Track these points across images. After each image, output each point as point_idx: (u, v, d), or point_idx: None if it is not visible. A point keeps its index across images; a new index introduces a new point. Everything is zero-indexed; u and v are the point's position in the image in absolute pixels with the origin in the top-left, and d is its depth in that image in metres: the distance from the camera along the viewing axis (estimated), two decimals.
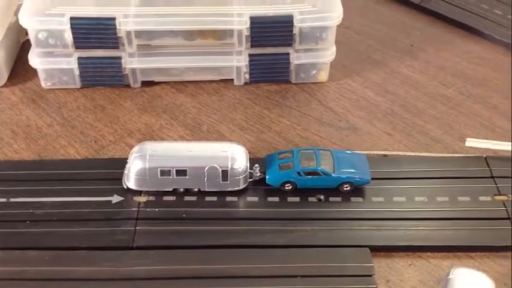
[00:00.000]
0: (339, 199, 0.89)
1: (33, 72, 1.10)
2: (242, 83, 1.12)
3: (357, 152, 0.95)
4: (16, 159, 0.97)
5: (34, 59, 1.07)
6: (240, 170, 0.88)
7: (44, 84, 1.10)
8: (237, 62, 1.08)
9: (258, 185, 0.91)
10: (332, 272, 0.80)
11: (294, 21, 1.03)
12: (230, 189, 0.89)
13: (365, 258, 0.81)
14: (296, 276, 0.79)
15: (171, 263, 0.80)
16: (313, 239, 0.84)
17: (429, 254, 0.83)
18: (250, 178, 0.90)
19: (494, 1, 1.30)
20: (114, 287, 0.78)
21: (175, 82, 1.12)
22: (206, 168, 0.87)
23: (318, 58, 1.09)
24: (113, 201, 0.89)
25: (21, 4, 1.05)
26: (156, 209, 0.88)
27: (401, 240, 0.84)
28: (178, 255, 0.82)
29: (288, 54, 1.08)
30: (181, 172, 0.88)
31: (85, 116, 1.05)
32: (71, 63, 1.07)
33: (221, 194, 0.89)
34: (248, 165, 0.89)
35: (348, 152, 0.94)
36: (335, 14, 1.04)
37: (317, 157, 0.90)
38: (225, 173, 0.88)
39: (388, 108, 1.07)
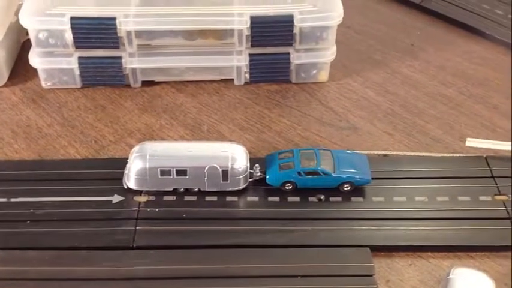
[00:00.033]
0: (339, 199, 0.89)
1: (34, 72, 1.10)
2: (242, 82, 1.12)
3: (357, 151, 0.95)
4: (16, 159, 0.97)
5: (34, 59, 1.07)
6: (240, 169, 0.88)
7: (44, 84, 1.10)
8: (237, 61, 1.08)
9: (258, 184, 0.91)
10: (332, 271, 0.80)
11: (295, 21, 1.03)
12: (230, 189, 0.89)
13: (365, 258, 0.81)
14: (296, 276, 0.79)
15: (171, 263, 0.80)
16: (313, 238, 0.84)
17: (429, 253, 0.83)
18: (250, 178, 0.90)
19: (495, 1, 1.30)
20: (114, 287, 0.78)
21: (175, 82, 1.12)
22: (206, 168, 0.87)
23: (319, 58, 1.09)
24: (113, 201, 0.89)
25: (21, 4, 1.06)
26: (157, 209, 0.88)
27: (401, 240, 0.84)
28: (179, 255, 0.82)
29: (289, 54, 1.08)
30: (181, 172, 0.88)
31: (85, 116, 1.05)
32: (71, 63, 1.07)
33: (221, 193, 0.89)
34: (248, 165, 0.89)
35: (348, 151, 0.94)
36: (335, 14, 1.04)
37: (317, 157, 0.90)
38: (225, 173, 0.88)
39: (388, 108, 1.07)
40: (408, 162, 0.95)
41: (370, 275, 0.79)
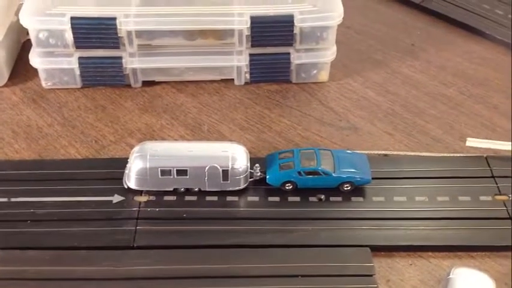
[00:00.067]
0: (339, 199, 0.89)
1: (34, 72, 1.10)
2: (243, 82, 1.12)
3: (358, 151, 0.95)
4: (17, 159, 0.97)
5: (35, 59, 1.07)
6: (240, 169, 0.88)
7: (45, 84, 1.10)
8: (237, 61, 1.08)
9: (258, 184, 0.91)
10: (333, 271, 0.80)
11: (295, 21, 1.03)
12: (231, 188, 0.89)
13: (365, 258, 0.81)
14: (297, 276, 0.79)
15: (171, 263, 0.80)
16: (313, 238, 0.84)
17: (430, 253, 0.83)
18: (250, 178, 0.90)
19: (496, 1, 1.30)
20: (114, 287, 0.78)
21: (175, 82, 1.12)
22: (207, 168, 0.87)
23: (319, 58, 1.09)
24: (114, 201, 0.89)
25: (22, 4, 1.06)
26: (157, 209, 0.88)
27: (401, 239, 0.84)
28: (179, 255, 0.82)
29: (289, 54, 1.08)
30: (181, 172, 0.88)
31: (86, 115, 1.05)
32: (72, 63, 1.07)
33: (222, 193, 0.89)
34: (249, 165, 0.89)
35: (349, 151, 0.94)
36: (336, 14, 1.04)
37: (317, 157, 0.90)
38: (225, 173, 0.88)
39: (388, 108, 1.07)
40: (408, 162, 0.95)
41: (371, 275, 0.79)
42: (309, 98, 1.09)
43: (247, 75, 1.10)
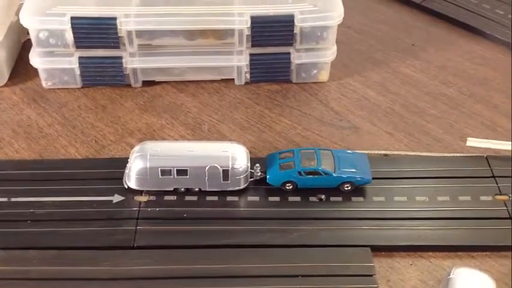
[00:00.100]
0: (339, 199, 0.89)
1: (34, 71, 1.10)
2: (243, 82, 1.11)
3: (358, 151, 0.95)
4: (17, 158, 0.97)
5: (35, 59, 1.07)
6: (240, 169, 0.88)
7: (45, 83, 1.10)
8: (237, 61, 1.08)
9: (258, 184, 0.91)
10: (333, 271, 0.80)
11: (295, 21, 1.03)
12: (231, 188, 0.89)
13: (366, 258, 0.81)
14: (297, 276, 0.79)
15: (171, 263, 0.80)
16: (314, 238, 0.84)
17: (430, 253, 0.83)
18: (251, 178, 0.90)
19: (496, 1, 1.30)
20: (114, 287, 0.78)
21: (176, 82, 1.12)
22: (207, 168, 0.87)
23: (319, 58, 1.09)
24: (114, 201, 0.89)
25: (22, 4, 1.06)
26: (157, 209, 0.88)
27: (402, 239, 0.84)
28: (179, 254, 0.82)
29: (289, 53, 1.08)
30: (182, 172, 0.88)
31: (86, 115, 1.05)
32: (72, 62, 1.07)
33: (222, 193, 0.89)
34: (249, 164, 0.89)
35: (349, 151, 0.94)
36: (336, 14, 1.04)
37: (318, 157, 0.90)
38: (225, 173, 0.88)
39: (389, 108, 1.07)
40: (409, 162, 0.95)
41: (371, 275, 0.79)
42: (309, 97, 1.09)
43: (248, 75, 1.10)
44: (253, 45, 1.06)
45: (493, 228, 0.85)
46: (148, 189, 0.89)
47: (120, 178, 0.91)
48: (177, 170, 0.87)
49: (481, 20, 1.26)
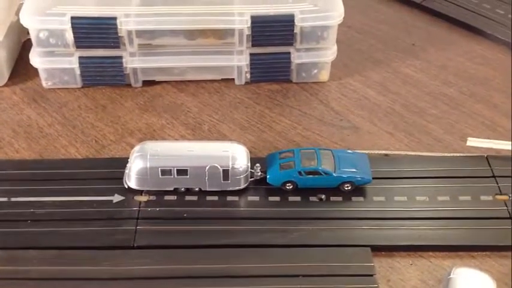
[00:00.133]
0: (340, 199, 0.89)
1: (34, 71, 1.10)
2: (243, 82, 1.11)
3: (358, 151, 0.95)
4: (17, 158, 0.97)
5: (35, 59, 1.07)
6: (241, 169, 0.88)
7: (45, 83, 1.10)
8: (238, 61, 1.08)
9: (259, 184, 0.90)
10: (333, 271, 0.80)
11: (295, 21, 1.03)
12: (231, 188, 0.89)
13: (366, 258, 0.81)
14: (297, 276, 0.79)
15: (172, 263, 0.80)
16: (314, 238, 0.84)
17: (430, 253, 0.83)
18: (251, 178, 0.90)
19: (496, 1, 1.30)
20: (115, 287, 0.78)
21: (176, 81, 1.12)
22: (207, 168, 0.87)
23: (319, 57, 1.09)
24: (114, 201, 0.89)
25: (22, 4, 1.05)
26: (157, 209, 0.88)
27: (402, 239, 0.84)
28: (179, 254, 0.82)
29: (289, 53, 1.08)
30: (182, 171, 0.88)
31: (86, 115, 1.05)
32: (72, 62, 1.07)
33: (222, 193, 0.89)
34: (249, 164, 0.89)
35: (349, 151, 0.94)
36: (336, 13, 1.04)
37: (318, 156, 0.90)
38: (226, 173, 0.88)
39: (389, 108, 1.07)
40: (409, 162, 0.95)
41: (371, 275, 0.79)
42: (309, 97, 1.09)
43: (248, 75, 1.10)
44: (253, 45, 1.06)
45: (493, 228, 0.85)
46: (148, 189, 0.89)
47: (120, 178, 0.91)
48: (177, 169, 0.87)
49: (481, 19, 1.25)
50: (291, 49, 1.08)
